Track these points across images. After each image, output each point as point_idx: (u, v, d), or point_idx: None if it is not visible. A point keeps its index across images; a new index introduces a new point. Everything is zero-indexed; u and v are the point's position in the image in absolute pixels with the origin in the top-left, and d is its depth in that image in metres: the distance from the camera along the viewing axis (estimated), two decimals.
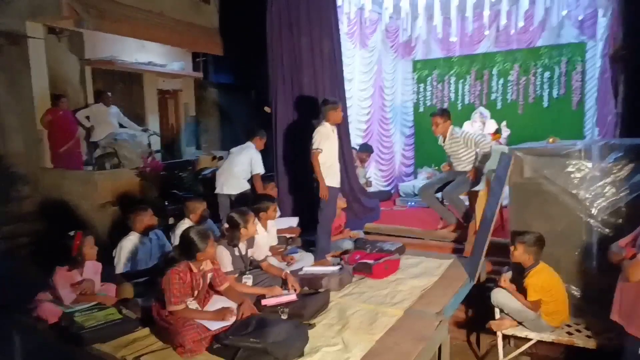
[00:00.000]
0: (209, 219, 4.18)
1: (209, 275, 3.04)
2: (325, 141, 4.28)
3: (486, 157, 4.85)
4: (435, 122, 4.89)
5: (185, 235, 2.91)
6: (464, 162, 4.93)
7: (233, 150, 5.56)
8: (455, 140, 4.87)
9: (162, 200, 6.23)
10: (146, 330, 2.97)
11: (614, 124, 5.25)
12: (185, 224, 3.98)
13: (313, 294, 3.43)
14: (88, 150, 7.16)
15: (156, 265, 3.74)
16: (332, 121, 4.36)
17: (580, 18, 6.81)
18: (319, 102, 5.26)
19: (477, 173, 4.87)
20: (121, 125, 7.20)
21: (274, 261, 3.94)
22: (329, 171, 4.31)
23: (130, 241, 3.80)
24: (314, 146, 4.26)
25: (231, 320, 2.83)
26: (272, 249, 4.26)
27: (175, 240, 3.31)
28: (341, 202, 4.88)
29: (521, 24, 6.83)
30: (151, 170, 6.55)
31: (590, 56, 6.84)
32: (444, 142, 4.99)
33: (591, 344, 3.28)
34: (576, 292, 3.58)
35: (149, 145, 7.31)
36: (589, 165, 3.51)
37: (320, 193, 4.31)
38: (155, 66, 8.14)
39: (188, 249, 2.87)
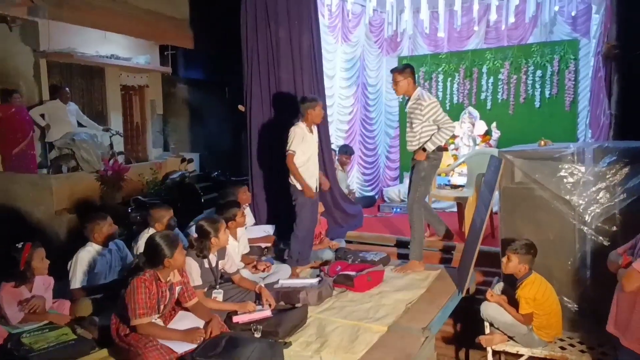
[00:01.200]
0: (177, 229, 4.12)
1: (177, 288, 2.99)
2: (300, 142, 4.28)
3: (437, 138, 4.22)
4: (395, 79, 4.38)
5: (151, 240, 2.88)
6: (420, 137, 4.31)
7: None
8: (418, 104, 4.27)
9: (125, 207, 6.12)
10: (104, 352, 2.90)
11: (608, 126, 5.36)
12: (150, 233, 3.89)
13: (289, 309, 3.41)
14: (43, 151, 6.99)
15: (116, 280, 3.67)
16: (310, 121, 4.35)
17: (573, 14, 6.95)
18: (298, 100, 5.25)
19: (431, 162, 4.32)
20: (80, 124, 7.06)
21: (246, 273, 3.91)
22: (304, 173, 4.33)
23: (87, 253, 3.71)
24: (288, 147, 4.28)
25: (199, 340, 2.77)
26: (244, 258, 4.22)
27: (139, 252, 3.24)
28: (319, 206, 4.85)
29: (512, 19, 6.94)
30: (113, 174, 6.45)
31: (584, 54, 6.98)
32: (405, 104, 4.51)
33: (585, 358, 3.32)
34: (569, 304, 3.63)
35: (111, 146, 7.21)
36: (582, 169, 3.56)
37: (305, 194, 4.33)
38: (118, 60, 8.02)
39: (154, 256, 2.83)
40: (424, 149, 4.26)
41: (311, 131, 4.39)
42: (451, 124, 4.27)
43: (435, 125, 4.26)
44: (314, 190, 4.45)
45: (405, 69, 4.39)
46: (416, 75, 7.93)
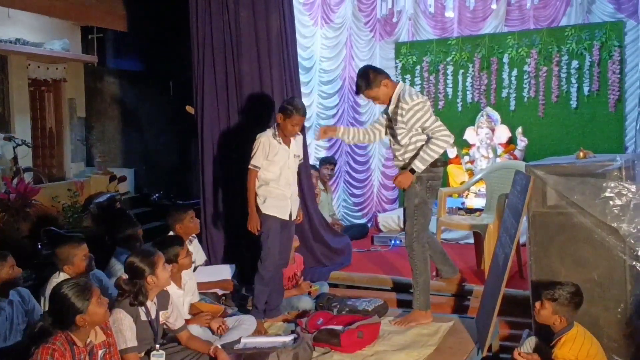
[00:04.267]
0: (96, 270, 4.06)
1: (100, 352, 2.94)
2: (267, 155, 4.33)
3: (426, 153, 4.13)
4: (369, 96, 4.33)
5: (55, 293, 2.83)
6: (407, 151, 4.27)
7: None
8: (399, 106, 4.18)
9: (33, 242, 6.00)
10: None
11: None
12: (60, 278, 3.81)
13: None
14: None
15: (20, 342, 3.55)
16: (283, 132, 4.35)
17: None
18: (265, 98, 5.26)
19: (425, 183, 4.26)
20: None
21: (197, 330, 3.84)
22: (271, 194, 4.36)
23: None
24: (251, 161, 4.36)
25: None
26: (193, 309, 4.16)
27: (46, 306, 3.19)
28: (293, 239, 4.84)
29: None
30: (17, 198, 6.33)
31: (631, 39, 7.16)
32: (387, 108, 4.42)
33: None
34: None
35: (15, 160, 7.11)
36: (633, 188, 3.61)
37: (248, 224, 4.41)
38: (26, 45, 7.95)
39: (62, 313, 2.78)
40: (412, 171, 4.16)
41: (285, 142, 4.39)
42: (445, 132, 4.16)
43: (424, 134, 4.21)
44: (288, 218, 4.43)
45: (371, 78, 4.22)
46: (419, 67, 8.21)
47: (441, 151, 4.20)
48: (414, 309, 4.42)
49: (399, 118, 4.20)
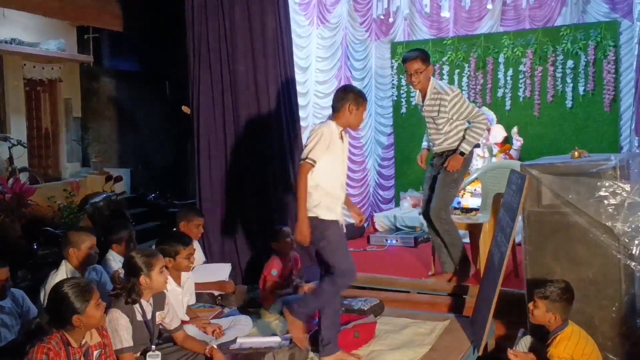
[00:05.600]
0: (98, 265, 4.06)
1: (95, 353, 2.94)
2: (328, 149, 3.70)
3: (472, 136, 4.65)
4: (415, 68, 4.59)
5: (55, 290, 2.84)
6: (449, 137, 4.72)
7: None
8: (439, 99, 4.63)
9: (29, 242, 6.00)
10: None
11: None
12: (61, 273, 3.85)
13: None
14: None
15: (14, 341, 3.55)
16: (345, 122, 3.80)
17: None
18: (261, 98, 5.26)
19: (465, 161, 4.72)
20: None
21: (193, 330, 3.85)
22: (327, 198, 3.72)
23: None
24: (306, 154, 3.66)
25: None
26: (190, 311, 4.16)
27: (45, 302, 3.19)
28: (287, 243, 4.82)
29: None
30: (12, 198, 6.32)
31: (626, 40, 7.18)
32: (422, 101, 4.79)
33: None
34: None
35: (10, 160, 7.11)
36: (627, 187, 3.62)
37: (297, 232, 3.69)
38: (21, 45, 7.94)
39: (59, 312, 2.79)
40: (462, 153, 4.65)
41: (342, 137, 3.83)
42: (483, 116, 4.68)
43: (464, 121, 4.69)
44: (340, 224, 3.85)
45: (426, 55, 4.70)
46: None
47: (483, 134, 4.84)
48: (447, 272, 4.96)
49: (441, 109, 4.64)
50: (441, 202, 4.77)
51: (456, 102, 4.62)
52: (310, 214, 3.67)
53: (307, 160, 3.64)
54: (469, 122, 4.72)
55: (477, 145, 4.91)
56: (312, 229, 3.66)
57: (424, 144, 5.12)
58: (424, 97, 4.77)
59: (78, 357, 2.82)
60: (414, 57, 4.66)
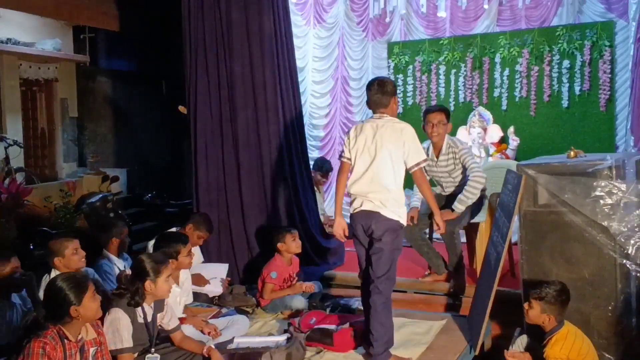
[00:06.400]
0: (89, 268, 4.06)
1: (92, 350, 2.95)
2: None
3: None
4: (438, 119, 4.77)
5: (51, 285, 2.86)
6: (457, 182, 5.02)
7: None
8: (453, 152, 4.89)
9: (25, 242, 5.99)
10: None
11: None
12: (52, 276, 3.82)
13: None
14: None
15: (18, 339, 3.46)
16: (393, 115, 3.94)
17: None
18: (258, 98, 5.26)
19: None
20: None
21: (190, 330, 3.85)
22: (400, 195, 3.76)
23: None
24: (420, 155, 3.75)
25: None
26: (188, 310, 4.16)
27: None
28: (294, 245, 4.82)
29: None
30: (9, 198, 6.30)
31: (621, 40, 7.21)
32: (437, 157, 4.92)
33: None
34: None
35: (6, 160, 7.08)
36: (623, 187, 3.63)
37: (441, 227, 4.08)
38: (17, 45, 7.91)
39: (56, 305, 2.81)
40: (452, 210, 4.75)
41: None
42: (482, 175, 4.75)
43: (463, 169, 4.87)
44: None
45: (449, 112, 4.94)
46: (412, 66, 8.23)
47: (478, 193, 4.78)
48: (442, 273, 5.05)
49: (456, 161, 4.87)
50: (455, 225, 4.83)
51: (464, 153, 4.83)
52: (394, 217, 3.70)
53: (424, 159, 3.78)
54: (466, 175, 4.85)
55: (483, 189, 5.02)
56: (389, 230, 3.68)
57: (415, 203, 5.05)
58: (437, 152, 4.92)
59: (74, 352, 2.83)
60: (439, 109, 4.89)
